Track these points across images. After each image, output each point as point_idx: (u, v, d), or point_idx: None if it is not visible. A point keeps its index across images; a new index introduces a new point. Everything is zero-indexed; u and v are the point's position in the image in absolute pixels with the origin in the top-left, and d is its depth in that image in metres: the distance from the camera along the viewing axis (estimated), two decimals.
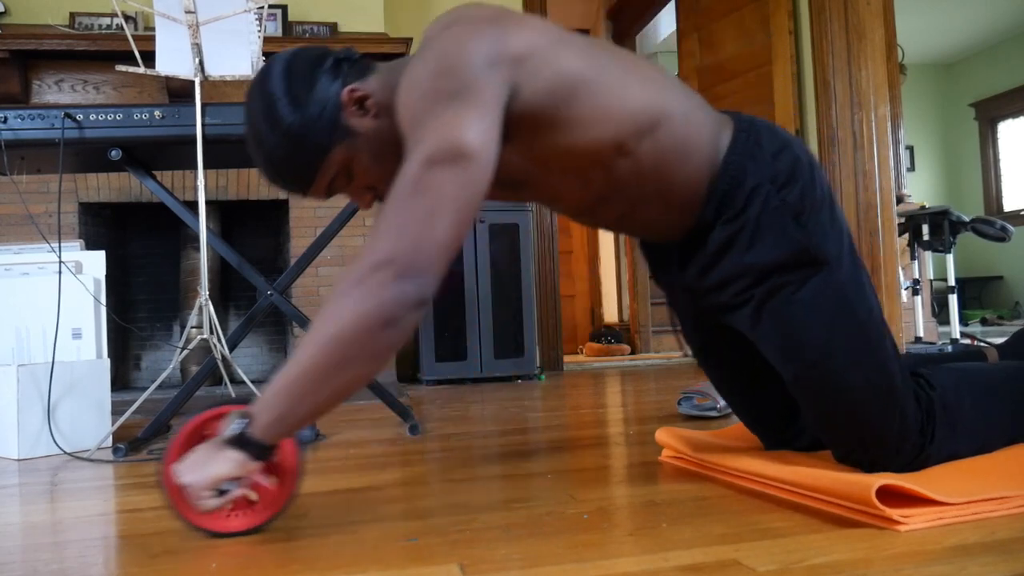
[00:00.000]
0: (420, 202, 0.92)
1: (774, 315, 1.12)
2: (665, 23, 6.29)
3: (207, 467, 0.97)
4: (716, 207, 1.13)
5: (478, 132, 0.94)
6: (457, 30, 1.01)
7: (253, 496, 1.03)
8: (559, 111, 1.03)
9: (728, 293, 1.16)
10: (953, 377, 1.21)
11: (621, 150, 1.07)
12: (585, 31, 6.88)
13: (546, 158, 1.09)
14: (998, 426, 1.22)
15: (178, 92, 3.45)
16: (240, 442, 0.97)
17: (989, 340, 1.58)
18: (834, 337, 1.10)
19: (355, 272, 0.92)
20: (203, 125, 1.98)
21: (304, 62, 1.07)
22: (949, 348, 3.43)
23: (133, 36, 1.99)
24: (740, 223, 1.11)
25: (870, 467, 1.11)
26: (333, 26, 3.75)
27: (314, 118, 1.04)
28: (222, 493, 0.98)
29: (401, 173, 0.94)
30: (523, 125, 1.03)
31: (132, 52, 1.97)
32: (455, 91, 0.95)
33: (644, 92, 1.08)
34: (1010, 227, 3.65)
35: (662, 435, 1.46)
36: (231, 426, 0.99)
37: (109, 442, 1.93)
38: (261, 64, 2.03)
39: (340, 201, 3.55)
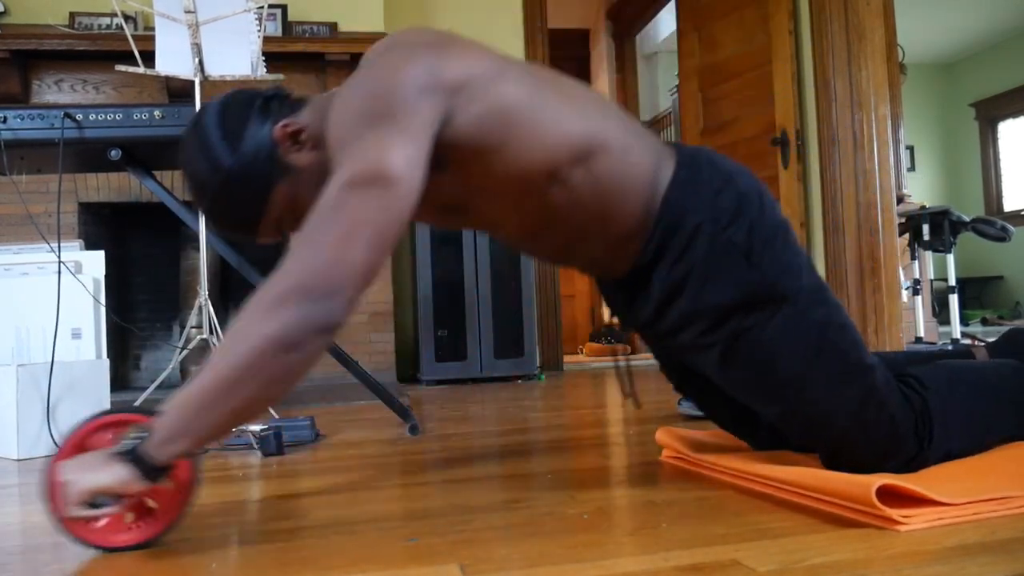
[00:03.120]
0: (337, 224, 0.90)
1: (742, 360, 1.10)
2: (665, 23, 6.29)
3: (89, 474, 0.92)
4: (657, 245, 1.09)
5: (403, 157, 0.92)
6: (394, 55, 1.00)
7: (127, 518, 0.98)
8: (492, 139, 1.01)
9: (687, 336, 1.13)
10: (944, 375, 1.21)
11: (554, 177, 1.05)
12: (585, 32, 6.88)
13: (481, 185, 1.07)
14: (992, 423, 1.22)
15: (178, 92, 3.45)
16: (132, 457, 0.91)
17: (989, 340, 1.57)
18: (810, 371, 1.08)
19: (264, 292, 0.90)
20: None
21: (235, 105, 1.07)
22: (950, 348, 3.43)
23: (133, 36, 1.99)
24: (686, 266, 1.08)
25: (866, 471, 1.11)
26: (333, 25, 3.75)
27: (250, 158, 1.04)
28: (97, 505, 0.93)
29: (323, 193, 0.93)
30: (457, 152, 1.01)
31: (132, 52, 1.97)
32: (384, 115, 0.94)
33: (581, 120, 1.06)
34: (1010, 227, 3.65)
35: (662, 435, 1.46)
36: (127, 438, 0.94)
37: None
38: (261, 64, 2.03)
39: None
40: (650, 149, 1.11)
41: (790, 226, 1.13)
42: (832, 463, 1.14)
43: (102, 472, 0.92)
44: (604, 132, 1.07)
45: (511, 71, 1.05)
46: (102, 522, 0.97)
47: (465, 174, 1.05)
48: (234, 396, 0.89)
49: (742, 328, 1.07)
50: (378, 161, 0.91)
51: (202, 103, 1.97)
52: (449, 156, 1.01)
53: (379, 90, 0.96)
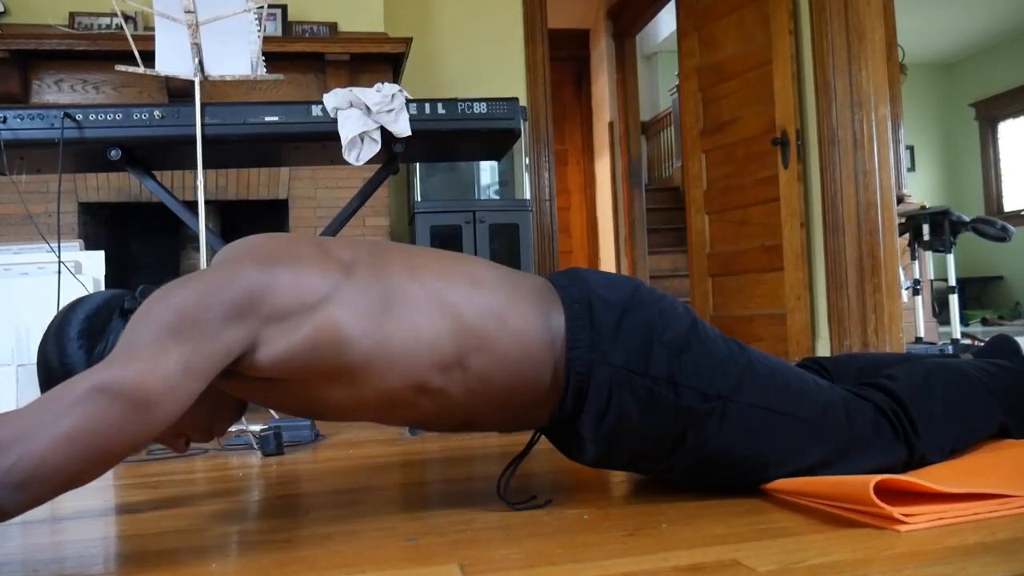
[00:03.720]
0: (65, 421, 0.82)
1: (709, 469, 1.10)
2: (665, 23, 6.30)
3: None
4: (573, 404, 1.05)
5: (171, 380, 0.86)
6: (221, 271, 0.95)
7: None
8: (329, 366, 0.96)
9: (643, 468, 1.14)
10: (921, 369, 1.21)
11: (423, 389, 1.00)
12: (585, 32, 6.88)
13: (337, 401, 1.01)
14: (978, 411, 1.21)
15: (178, 92, 3.45)
16: None
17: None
18: (772, 448, 1.08)
19: None
20: (203, 125, 1.98)
21: (99, 313, 1.04)
22: (950, 348, 3.43)
23: (133, 36, 1.99)
24: (616, 416, 1.03)
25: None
26: (333, 26, 3.75)
27: None
28: None
29: (75, 379, 0.86)
30: (289, 374, 0.96)
31: (132, 52, 1.97)
32: (178, 332, 0.88)
33: (443, 321, 0.99)
34: (1010, 227, 3.65)
35: None
36: None
37: None
38: (261, 64, 2.03)
39: (340, 202, 3.55)
40: (534, 307, 1.04)
41: (695, 315, 1.10)
42: None
43: None
44: (476, 323, 1.00)
45: (353, 288, 0.97)
46: None
47: (313, 390, 0.99)
48: None
49: (693, 447, 1.06)
50: (141, 378, 0.85)
51: (201, 101, 1.97)
52: (281, 375, 0.96)
53: (185, 303, 0.91)
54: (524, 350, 1.02)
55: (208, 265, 0.97)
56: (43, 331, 1.06)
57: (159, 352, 0.87)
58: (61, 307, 1.07)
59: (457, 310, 1.01)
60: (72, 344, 1.01)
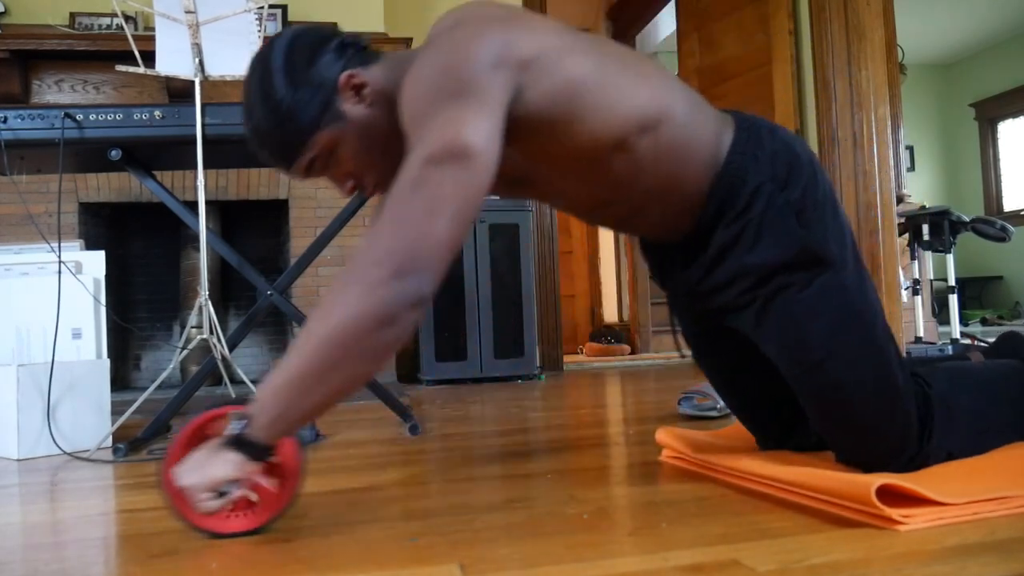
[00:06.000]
0: (420, 200, 0.91)
1: (778, 316, 1.12)
2: (665, 23, 6.29)
3: (206, 469, 0.96)
4: (717, 207, 1.13)
5: (480, 132, 0.94)
6: (464, 31, 1.01)
7: (253, 497, 1.02)
8: (561, 113, 1.03)
9: (731, 294, 1.16)
10: (947, 377, 1.21)
11: (621, 147, 1.07)
12: (585, 31, 6.88)
13: (547, 156, 1.10)
14: (995, 424, 1.22)
15: (178, 92, 3.45)
16: (239, 443, 0.96)
17: (988, 340, 1.58)
18: (838, 337, 1.10)
19: (353, 269, 0.92)
20: (203, 125, 1.98)
21: (309, 39, 1.09)
22: (949, 348, 3.43)
23: (133, 36, 1.99)
24: (743, 223, 1.11)
25: (869, 467, 1.11)
26: (333, 26, 3.75)
27: (307, 97, 1.05)
28: (222, 495, 0.98)
29: (402, 170, 0.94)
30: (525, 126, 1.03)
31: (132, 52, 1.97)
32: (458, 91, 0.95)
33: (646, 91, 1.08)
34: (1010, 227, 3.65)
35: (662, 435, 1.46)
36: (229, 427, 0.99)
37: (109, 442, 1.93)
38: None
39: (341, 201, 3.55)
40: (711, 117, 1.15)
41: (839, 202, 1.17)
42: (839, 449, 1.16)
43: (217, 464, 0.96)
44: (669, 102, 1.10)
45: (578, 45, 1.06)
46: (229, 510, 1.02)
47: (533, 147, 1.07)
48: (332, 375, 0.92)
49: (782, 286, 1.11)
50: (456, 137, 0.93)
51: (201, 101, 1.97)
52: (518, 130, 1.03)
53: (452, 66, 0.96)
54: (698, 140, 1.11)
55: (412, 78, 1.01)
56: (250, 66, 1.09)
57: (456, 114, 0.94)
58: (255, 55, 1.11)
59: (657, 89, 1.10)
60: (276, 75, 1.05)
